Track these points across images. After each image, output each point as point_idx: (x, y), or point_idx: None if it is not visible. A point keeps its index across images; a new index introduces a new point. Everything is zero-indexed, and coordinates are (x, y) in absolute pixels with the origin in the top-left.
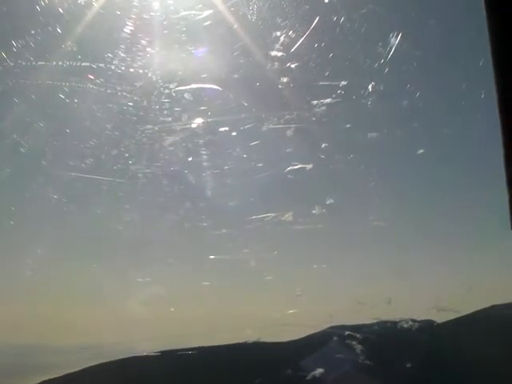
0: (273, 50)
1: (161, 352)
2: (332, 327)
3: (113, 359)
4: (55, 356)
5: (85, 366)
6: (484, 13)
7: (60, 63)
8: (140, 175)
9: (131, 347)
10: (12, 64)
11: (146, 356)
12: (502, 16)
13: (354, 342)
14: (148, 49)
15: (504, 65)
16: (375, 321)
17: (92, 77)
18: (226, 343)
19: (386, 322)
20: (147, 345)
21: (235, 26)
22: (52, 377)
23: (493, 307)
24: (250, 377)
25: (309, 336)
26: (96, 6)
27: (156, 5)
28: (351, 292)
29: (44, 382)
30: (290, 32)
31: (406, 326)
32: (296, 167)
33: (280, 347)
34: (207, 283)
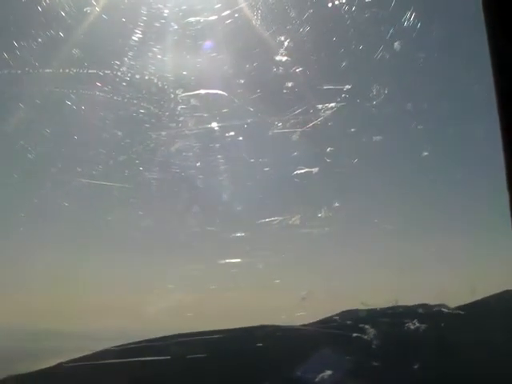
0: (278, 54)
1: (171, 341)
2: (346, 312)
3: (125, 344)
4: (72, 341)
5: (101, 349)
6: (482, 15)
7: (67, 70)
8: (151, 181)
9: (142, 334)
10: (19, 71)
11: (159, 342)
12: (500, 17)
13: (361, 340)
14: (154, 55)
15: (503, 66)
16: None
17: (99, 84)
18: (234, 339)
19: (399, 307)
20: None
21: (241, 32)
22: (67, 359)
23: (506, 292)
24: (258, 379)
25: (317, 331)
26: (102, 13)
27: (162, 11)
28: (359, 294)
29: (60, 364)
30: (295, 37)
31: (412, 325)
32: (302, 171)
33: (288, 347)
34: (214, 287)
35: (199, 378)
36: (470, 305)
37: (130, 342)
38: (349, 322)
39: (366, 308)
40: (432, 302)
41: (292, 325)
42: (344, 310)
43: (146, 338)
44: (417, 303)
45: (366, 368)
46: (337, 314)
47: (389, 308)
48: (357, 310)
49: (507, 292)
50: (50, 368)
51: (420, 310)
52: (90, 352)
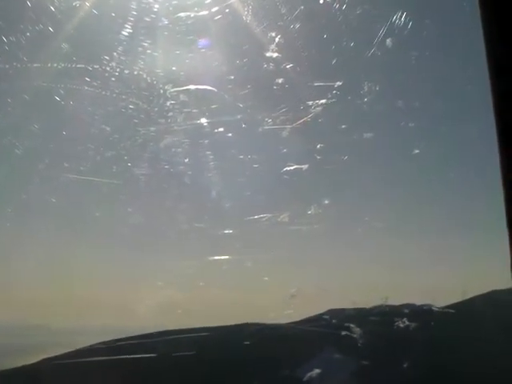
0: (268, 51)
1: (157, 338)
2: (331, 311)
3: (110, 340)
4: (56, 337)
5: (85, 346)
6: (479, 13)
7: (55, 65)
8: (140, 177)
9: (129, 330)
10: (7, 66)
11: (144, 339)
12: (496, 16)
13: (350, 338)
14: (143, 50)
15: (499, 65)
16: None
17: (88, 79)
18: (222, 337)
19: (386, 306)
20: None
21: (232, 28)
22: (52, 355)
23: (493, 292)
24: (247, 378)
25: (306, 328)
26: (92, 8)
27: (152, 6)
28: (348, 292)
29: (44, 359)
30: (286, 33)
31: (401, 324)
32: (292, 168)
33: (277, 345)
34: (203, 284)
35: (185, 376)
36: (458, 304)
37: (117, 338)
38: (334, 321)
39: (354, 307)
40: (419, 301)
41: (279, 323)
42: (331, 308)
43: (133, 334)
44: (404, 303)
45: (355, 366)
46: (324, 313)
47: (376, 307)
48: (344, 310)
49: (494, 292)
50: (34, 364)
51: (406, 310)
52: (75, 348)
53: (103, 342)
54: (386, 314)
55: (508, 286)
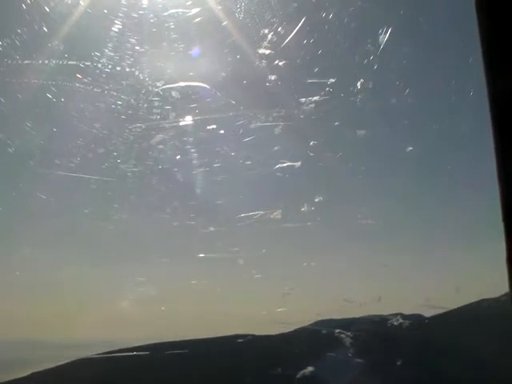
0: (261, 47)
1: (149, 350)
2: (320, 322)
3: (101, 352)
4: (45, 351)
5: (73, 359)
6: (474, 10)
7: (47, 62)
8: (128, 174)
9: (120, 343)
10: None
11: (135, 352)
12: (492, 15)
13: (343, 337)
14: (135, 47)
15: (495, 64)
16: (365, 314)
17: (79, 76)
18: (215, 341)
19: (375, 316)
20: (136, 341)
21: (223, 24)
22: (41, 369)
23: (482, 301)
24: (239, 376)
25: (297, 332)
26: (83, 4)
27: (144, 3)
28: (340, 290)
29: (33, 373)
30: (279, 29)
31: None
32: (285, 165)
33: (269, 345)
34: (195, 282)
35: (178, 374)
36: (449, 313)
37: (109, 351)
38: (324, 332)
39: (344, 317)
40: (408, 311)
41: (270, 334)
42: (321, 319)
43: (122, 346)
44: (394, 312)
45: (350, 365)
46: (315, 323)
47: (364, 318)
48: (333, 320)
49: (484, 301)
50: (22, 378)
51: (395, 321)
52: (64, 362)
53: (94, 355)
54: (375, 324)
55: (497, 295)
